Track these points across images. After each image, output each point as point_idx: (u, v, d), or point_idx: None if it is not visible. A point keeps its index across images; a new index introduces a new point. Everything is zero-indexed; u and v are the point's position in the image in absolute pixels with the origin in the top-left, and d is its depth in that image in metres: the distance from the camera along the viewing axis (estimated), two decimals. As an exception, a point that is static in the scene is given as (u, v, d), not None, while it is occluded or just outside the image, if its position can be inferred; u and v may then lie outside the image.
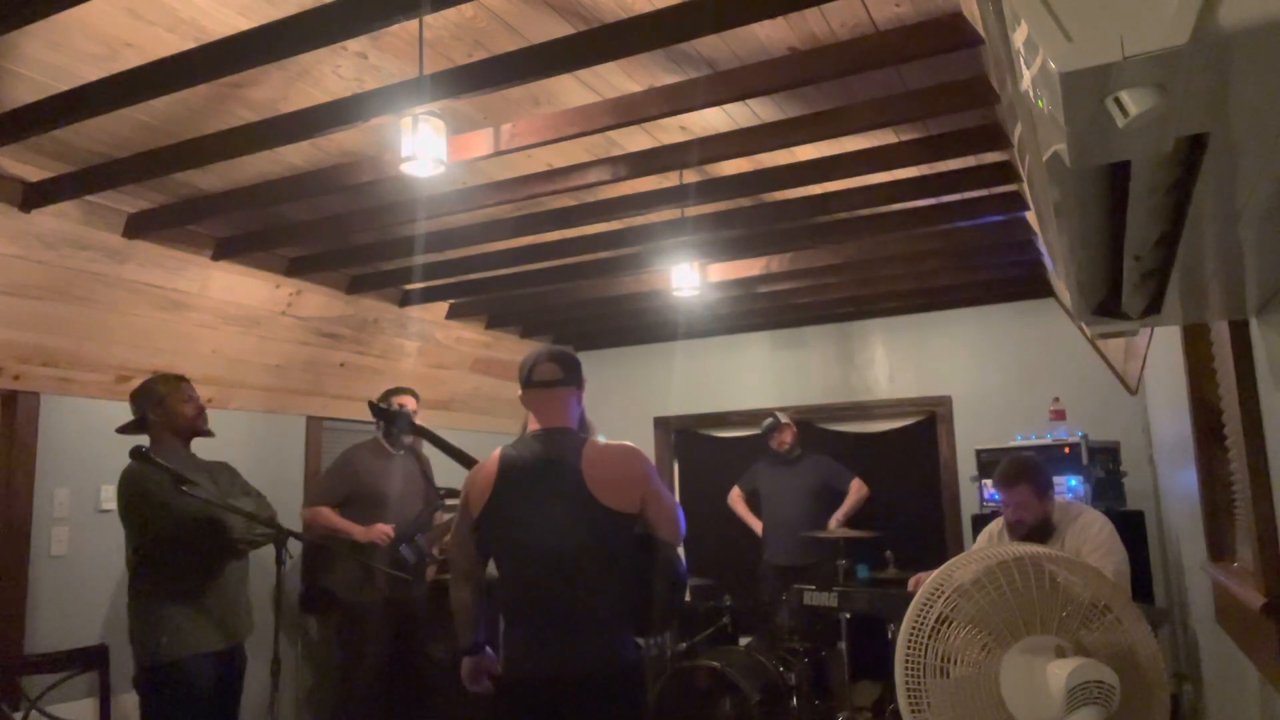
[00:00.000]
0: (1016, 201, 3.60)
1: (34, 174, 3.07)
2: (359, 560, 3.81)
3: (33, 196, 3.10)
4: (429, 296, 4.91)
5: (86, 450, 3.70)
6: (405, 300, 4.98)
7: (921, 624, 1.57)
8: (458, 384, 5.78)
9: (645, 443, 6.34)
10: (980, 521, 4.55)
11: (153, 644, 2.82)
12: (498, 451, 2.31)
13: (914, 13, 2.32)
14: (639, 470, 2.24)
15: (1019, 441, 4.60)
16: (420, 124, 2.44)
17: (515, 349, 5.96)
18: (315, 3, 2.11)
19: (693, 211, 3.82)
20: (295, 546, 3.26)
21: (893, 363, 5.83)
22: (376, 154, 3.04)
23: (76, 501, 3.69)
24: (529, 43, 2.37)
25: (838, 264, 4.50)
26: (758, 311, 5.68)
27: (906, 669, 1.56)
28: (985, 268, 4.74)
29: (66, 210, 3.26)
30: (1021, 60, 0.74)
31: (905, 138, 3.15)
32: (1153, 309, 1.42)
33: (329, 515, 3.98)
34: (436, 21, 2.29)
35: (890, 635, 4.07)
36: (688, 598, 5.64)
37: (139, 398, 3.05)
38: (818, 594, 4.17)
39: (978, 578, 1.56)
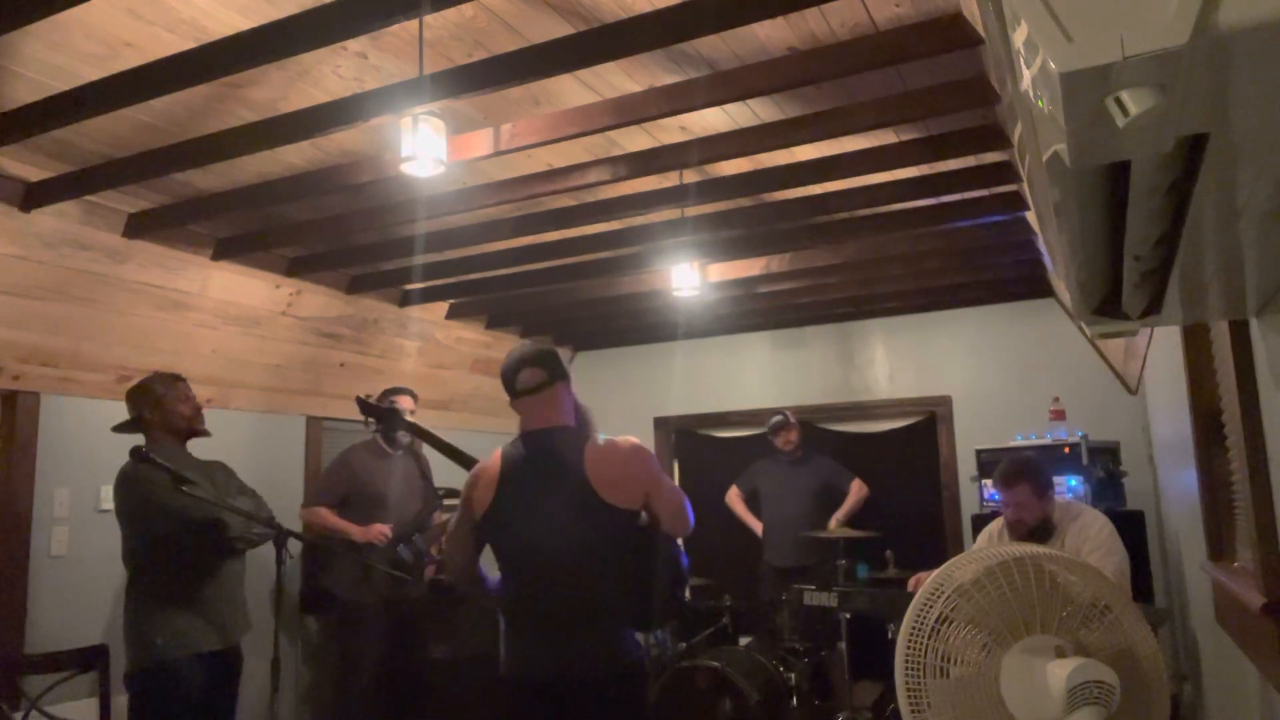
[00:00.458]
0: (1016, 201, 3.60)
1: (34, 174, 3.07)
2: (357, 560, 3.81)
3: (33, 196, 3.10)
4: (429, 296, 4.91)
5: (86, 450, 3.70)
6: (405, 300, 4.98)
7: (921, 624, 1.57)
8: (458, 384, 5.78)
9: (645, 443, 6.33)
10: (980, 521, 4.55)
11: (148, 644, 2.81)
12: (498, 453, 2.30)
13: (914, 13, 2.32)
14: (642, 467, 2.23)
15: (1019, 441, 4.60)
16: (420, 124, 2.44)
17: (515, 349, 5.95)
18: (315, 3, 2.11)
19: (693, 211, 3.82)
20: (295, 546, 3.26)
21: (893, 363, 5.83)
22: (376, 154, 3.04)
23: (76, 501, 3.69)
24: (529, 43, 2.37)
25: (838, 264, 4.50)
26: (758, 311, 5.68)
27: (906, 669, 1.56)
28: (985, 268, 4.74)
29: (66, 210, 3.25)
30: (1021, 60, 0.74)
31: (905, 138, 3.15)
32: (1153, 309, 1.42)
33: (327, 515, 3.98)
34: (436, 21, 2.29)
35: (890, 635, 4.07)
36: (688, 598, 5.65)
37: (135, 397, 3.04)
38: (818, 594, 4.17)
39: (978, 578, 1.56)
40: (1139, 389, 4.78)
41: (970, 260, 4.58)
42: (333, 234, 3.70)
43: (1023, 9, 0.68)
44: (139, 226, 3.46)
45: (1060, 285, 4.06)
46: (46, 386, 3.58)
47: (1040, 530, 3.08)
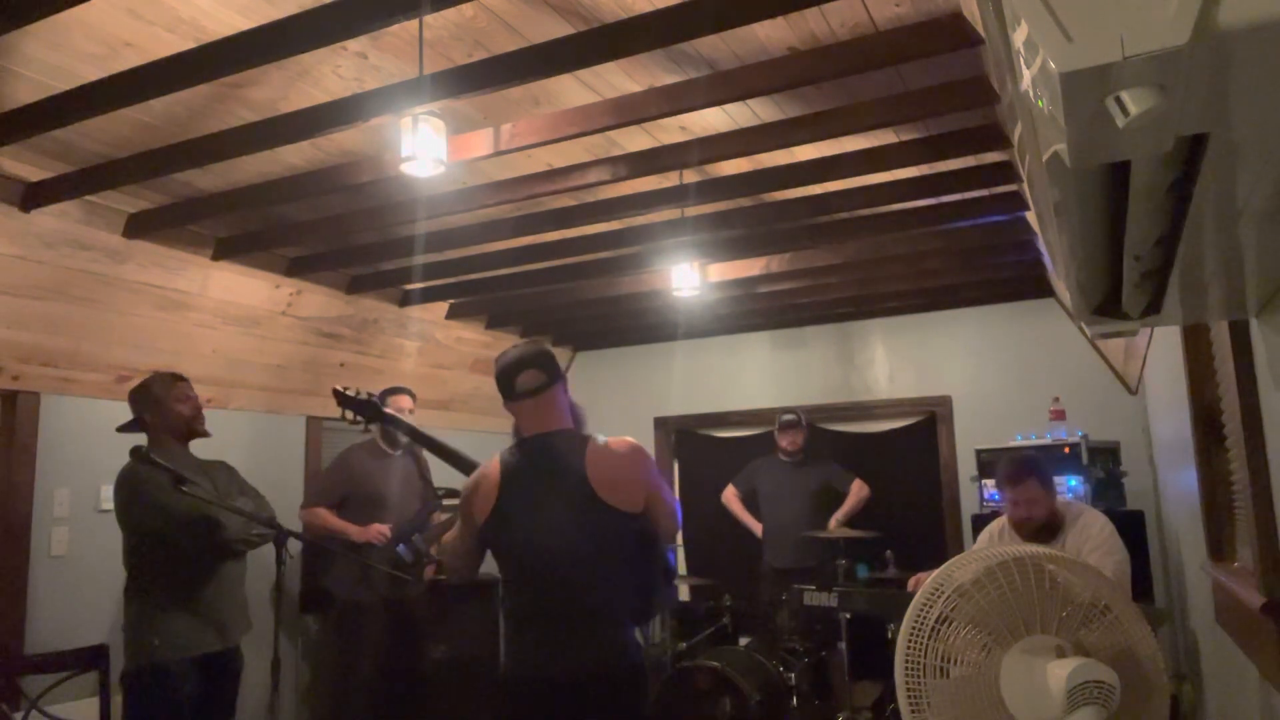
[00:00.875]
0: (1016, 201, 3.60)
1: (34, 174, 3.07)
2: (357, 560, 3.81)
3: (33, 196, 3.10)
4: (429, 296, 4.91)
5: (86, 450, 3.70)
6: (405, 300, 4.97)
7: (921, 624, 1.57)
8: (458, 384, 5.78)
9: (645, 443, 6.33)
10: (980, 521, 4.55)
11: (145, 645, 2.82)
12: (496, 460, 2.27)
13: (914, 13, 2.32)
14: (643, 470, 2.23)
15: (1019, 441, 4.60)
16: (420, 124, 2.44)
17: (515, 349, 5.95)
18: (315, 3, 2.11)
19: (693, 211, 3.82)
20: (295, 547, 3.26)
21: (893, 363, 5.82)
22: (376, 154, 3.04)
23: (76, 501, 3.69)
24: (529, 43, 2.37)
25: (838, 264, 4.50)
26: (758, 311, 5.68)
27: (906, 669, 1.56)
28: (985, 268, 4.74)
29: (66, 210, 3.26)
30: (1021, 60, 0.74)
31: (905, 138, 3.15)
32: (1153, 309, 1.42)
33: (326, 516, 3.97)
34: (436, 21, 2.29)
35: (890, 635, 4.07)
36: (688, 598, 5.65)
37: (136, 398, 3.05)
38: (818, 594, 4.17)
39: (978, 578, 1.56)
40: (1139, 389, 4.78)
41: (970, 260, 4.58)
42: (333, 234, 3.70)
43: (1023, 9, 0.68)
44: (139, 226, 3.46)
45: (1060, 285, 4.06)
46: (46, 386, 3.58)
47: (1048, 527, 3.09)
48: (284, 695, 4.41)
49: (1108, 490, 4.36)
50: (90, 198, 3.25)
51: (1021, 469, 3.09)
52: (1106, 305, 1.39)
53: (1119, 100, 0.67)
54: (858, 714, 4.29)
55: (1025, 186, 2.88)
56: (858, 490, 5.21)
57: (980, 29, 2.14)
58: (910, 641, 1.57)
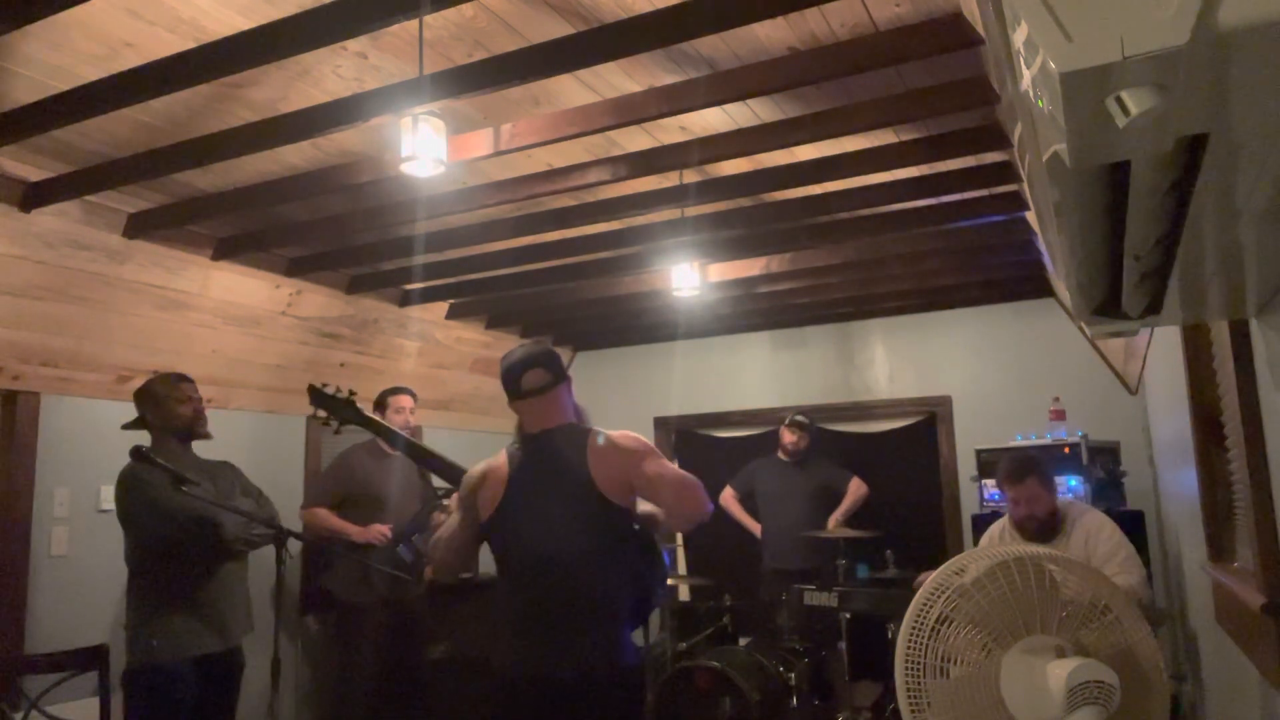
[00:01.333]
0: (1016, 201, 3.60)
1: (34, 174, 3.07)
2: (357, 560, 3.81)
3: (33, 196, 3.10)
4: (429, 296, 4.91)
5: (86, 450, 3.70)
6: (405, 300, 4.97)
7: (921, 624, 1.57)
8: (458, 384, 5.78)
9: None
10: (980, 521, 4.55)
11: (145, 645, 2.82)
12: (504, 454, 2.29)
13: (914, 13, 2.32)
14: (644, 461, 2.18)
15: (1019, 441, 4.60)
16: (420, 124, 2.44)
17: (515, 349, 5.95)
18: (315, 3, 2.11)
19: (693, 211, 3.82)
20: (295, 547, 3.25)
21: (893, 363, 5.82)
22: (376, 154, 3.04)
23: (76, 501, 3.69)
24: (529, 43, 2.37)
25: (838, 264, 4.50)
26: (758, 311, 5.68)
27: (906, 669, 1.56)
28: (985, 268, 4.74)
29: (66, 210, 3.25)
30: (1021, 60, 0.74)
31: (905, 138, 3.15)
32: (1153, 309, 1.42)
33: (326, 516, 3.98)
34: (436, 21, 2.29)
35: (890, 635, 4.07)
36: (687, 597, 5.65)
37: (139, 398, 3.06)
38: (818, 594, 4.17)
39: (978, 578, 1.56)
40: (1139, 389, 4.78)
41: (970, 260, 4.58)
42: (333, 234, 3.70)
43: (1023, 9, 0.68)
44: (139, 226, 3.46)
45: (1060, 285, 4.06)
46: (46, 386, 3.58)
47: (1049, 526, 3.12)
48: (284, 695, 4.41)
49: (1108, 490, 4.36)
50: (90, 198, 3.25)
51: (1023, 467, 3.13)
52: (1106, 305, 1.39)
53: (1119, 100, 0.67)
54: (858, 714, 4.29)
55: (1025, 186, 2.88)
56: (856, 489, 5.21)
57: (980, 29, 2.14)
58: (910, 641, 1.57)
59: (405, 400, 4.15)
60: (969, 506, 5.22)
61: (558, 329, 6.20)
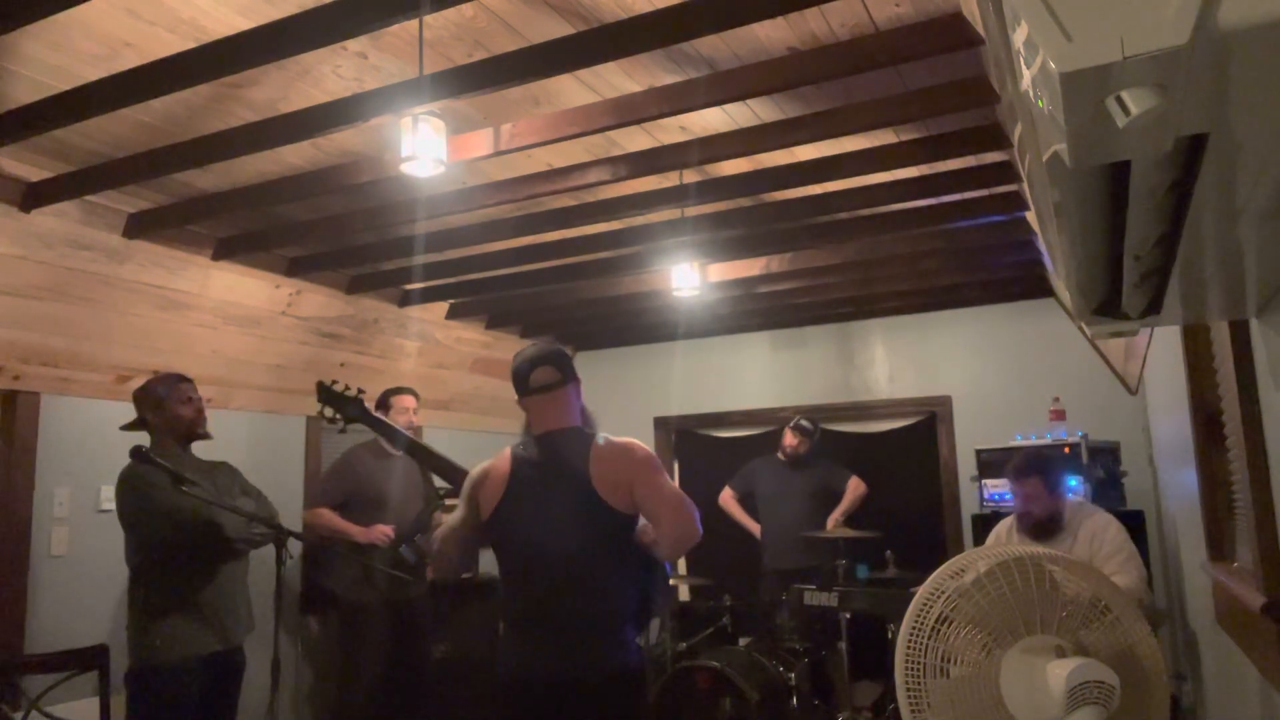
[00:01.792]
0: (1016, 201, 3.60)
1: (34, 174, 3.07)
2: (359, 561, 3.81)
3: (33, 196, 3.10)
4: (429, 296, 4.91)
5: (86, 450, 3.70)
6: (405, 300, 4.97)
7: (921, 624, 1.57)
8: (458, 384, 5.78)
9: (645, 443, 6.33)
10: (980, 521, 4.56)
11: (146, 646, 2.82)
12: (508, 452, 2.29)
13: (914, 13, 2.32)
14: (629, 461, 2.19)
15: (1019, 441, 4.60)
16: (420, 124, 2.44)
17: (515, 349, 5.92)
18: (315, 3, 2.11)
19: (693, 211, 3.82)
20: (295, 547, 3.25)
21: (893, 363, 5.82)
22: (376, 154, 3.04)
23: (76, 501, 3.68)
24: (529, 43, 2.37)
25: (838, 264, 4.50)
26: (758, 311, 5.68)
27: (906, 669, 1.56)
28: (985, 268, 4.74)
29: (66, 210, 3.25)
30: (1021, 60, 0.74)
31: (905, 138, 3.15)
32: (1153, 309, 1.42)
33: (329, 516, 3.97)
34: (436, 21, 2.29)
35: (890, 635, 4.07)
36: (687, 597, 5.65)
37: (139, 398, 3.06)
38: (818, 594, 4.17)
39: (978, 578, 1.56)
40: (1139, 389, 4.78)
41: (970, 260, 4.58)
42: (333, 234, 3.70)
43: (1023, 9, 0.68)
44: (139, 226, 3.46)
45: (1060, 285, 4.06)
46: (46, 386, 3.58)
47: (1048, 526, 3.15)
48: (284, 695, 4.40)
49: (1108, 490, 4.37)
50: (90, 198, 3.25)
51: (1027, 465, 3.19)
52: (1106, 305, 1.39)
53: (1119, 100, 0.67)
54: (858, 714, 4.30)
55: (1025, 186, 2.88)
56: (854, 487, 5.21)
57: (980, 29, 2.14)
58: (910, 641, 1.57)
59: (409, 400, 4.15)
60: (969, 506, 5.22)
61: (558, 329, 6.20)
